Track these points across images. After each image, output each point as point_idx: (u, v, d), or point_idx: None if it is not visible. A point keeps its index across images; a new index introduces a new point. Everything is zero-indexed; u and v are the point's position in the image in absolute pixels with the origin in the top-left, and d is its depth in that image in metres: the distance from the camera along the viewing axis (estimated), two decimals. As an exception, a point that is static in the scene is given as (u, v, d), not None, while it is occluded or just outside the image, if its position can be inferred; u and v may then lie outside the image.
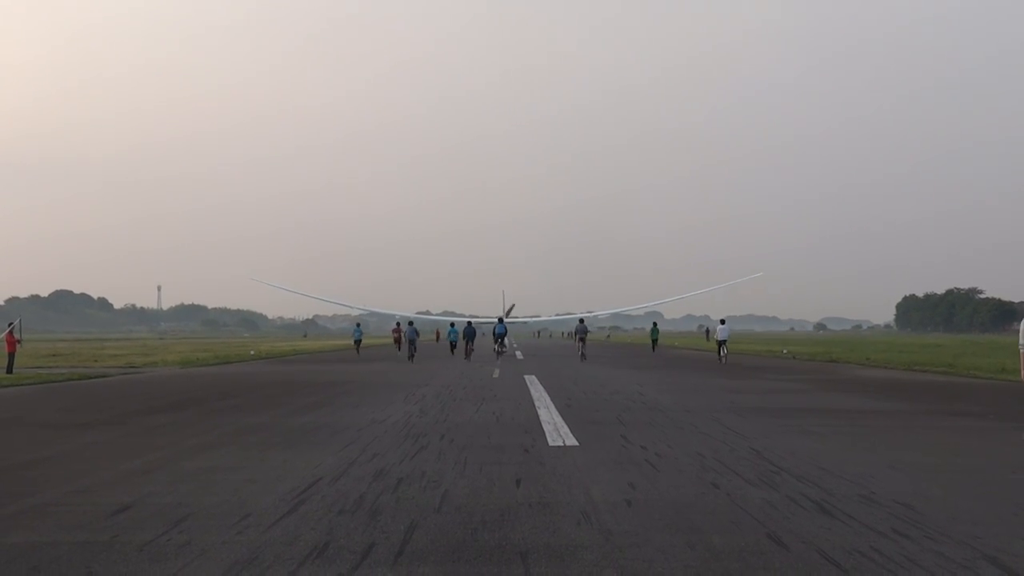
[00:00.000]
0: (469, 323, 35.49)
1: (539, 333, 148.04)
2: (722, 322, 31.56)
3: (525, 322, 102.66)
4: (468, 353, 33.05)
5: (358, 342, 40.61)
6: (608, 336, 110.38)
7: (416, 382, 17.93)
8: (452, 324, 37.73)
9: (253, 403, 13.01)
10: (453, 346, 36.46)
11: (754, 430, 9.30)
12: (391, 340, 57.86)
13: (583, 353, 31.77)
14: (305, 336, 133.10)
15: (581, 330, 33.02)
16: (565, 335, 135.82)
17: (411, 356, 32.05)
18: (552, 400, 12.98)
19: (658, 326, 42.60)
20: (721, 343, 30.24)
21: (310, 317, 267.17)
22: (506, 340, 37.90)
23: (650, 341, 40.61)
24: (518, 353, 39.82)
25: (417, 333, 34.41)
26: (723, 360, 29.38)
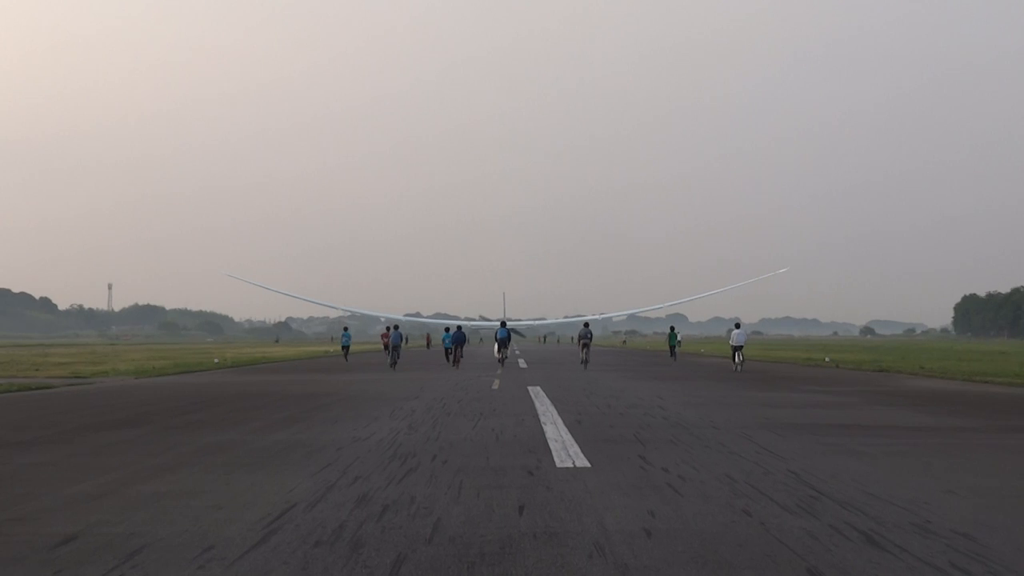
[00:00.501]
0: (458, 328, 36.68)
1: (545, 338, 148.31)
2: (736, 325, 32.05)
3: (531, 325, 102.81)
4: (456, 361, 34.14)
5: (346, 348, 41.26)
6: (624, 342, 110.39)
7: (404, 395, 17.95)
8: (447, 329, 38.60)
9: (218, 418, 13.04)
10: (448, 353, 37.39)
11: (791, 449, 9.30)
12: (380, 347, 58.31)
13: (586, 359, 32.52)
14: (277, 341, 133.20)
15: (585, 334, 33.63)
16: (575, 340, 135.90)
17: (393, 363, 33.15)
18: (560, 415, 12.99)
19: (677, 331, 43.11)
20: (736, 349, 30.64)
21: (282, 320, 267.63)
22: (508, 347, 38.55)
23: (672, 346, 40.65)
24: (521, 361, 39.87)
25: (403, 338, 35.27)
26: (738, 368, 29.84)
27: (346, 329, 42.79)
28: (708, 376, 26.28)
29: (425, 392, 18.76)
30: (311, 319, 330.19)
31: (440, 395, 17.71)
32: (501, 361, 35.84)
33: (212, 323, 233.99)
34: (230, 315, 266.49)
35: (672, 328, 41.78)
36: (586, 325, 34.17)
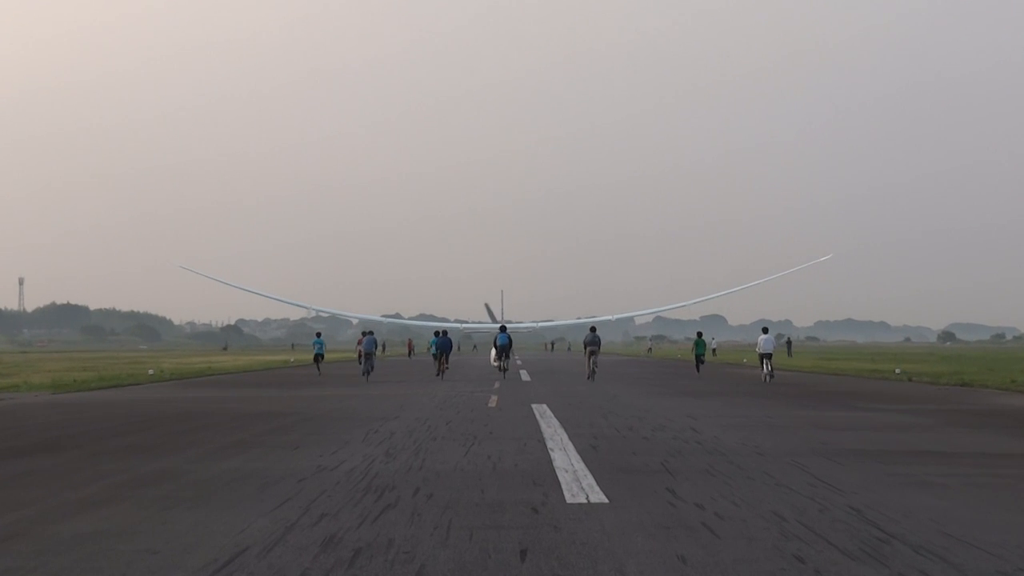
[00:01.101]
0: (443, 333, 38.01)
1: (553, 344, 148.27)
2: (764, 330, 33.56)
3: (534, 329, 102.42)
4: (440, 370, 35.62)
5: (319, 357, 42.32)
6: (650, 349, 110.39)
7: (381, 414, 17.99)
8: (437, 333, 39.34)
9: (153, 443, 13.06)
10: (441, 361, 38.20)
11: (853, 481, 9.31)
12: (355, 355, 58.89)
13: (593, 370, 33.28)
14: (226, 349, 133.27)
15: (592, 340, 34.20)
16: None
17: (366, 374, 34.49)
18: (571, 439, 13.01)
19: (707, 337, 44.03)
20: (764, 357, 32.07)
21: (232, 323, 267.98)
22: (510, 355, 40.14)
23: (698, 356, 40.53)
24: (523, 373, 39.91)
25: (377, 345, 36.72)
26: (766, 379, 31.29)
27: (319, 335, 44.05)
28: (750, 392, 26.31)
29: (406, 411, 18.79)
30: (267, 322, 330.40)
31: (425, 414, 17.75)
32: (502, 371, 36.80)
33: (146, 326, 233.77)
34: (168, 317, 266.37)
35: (699, 334, 42.33)
36: (593, 330, 34.65)
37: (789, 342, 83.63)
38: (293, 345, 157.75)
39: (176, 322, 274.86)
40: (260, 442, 13.07)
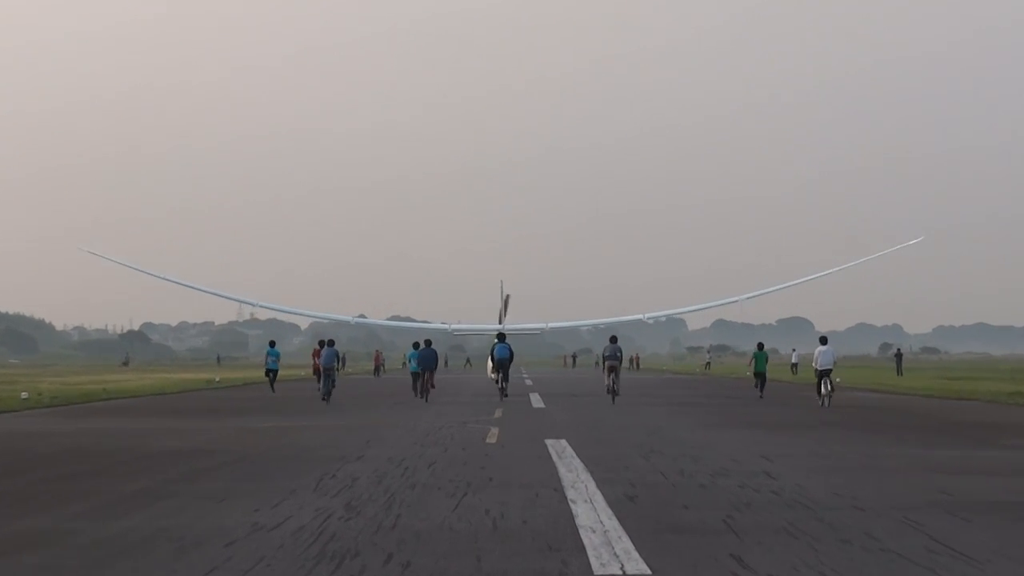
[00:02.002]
0: (427, 343, 39.50)
1: (575, 358, 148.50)
2: (822, 340, 35.46)
3: (540, 332, 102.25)
4: (424, 391, 37.45)
5: (273, 373, 44.83)
6: (708, 364, 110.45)
7: (340, 451, 17.99)
8: (416, 345, 40.90)
9: (27, 493, 13.02)
10: (417, 380, 39.80)
11: (987, 546, 9.27)
12: (309, 370, 59.55)
13: (614, 389, 35.77)
14: (127, 363, 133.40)
15: (611, 352, 36.65)
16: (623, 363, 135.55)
17: (326, 396, 36.15)
18: (599, 487, 12.99)
19: (787, 348, 45.57)
20: (823, 375, 33.93)
21: (135, 327, 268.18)
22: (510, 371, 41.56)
23: (758, 374, 41.90)
24: (534, 397, 39.91)
25: (339, 357, 39.61)
26: (824, 402, 33.24)
27: (273, 344, 46.30)
28: (844, 422, 26.33)
29: (375, 447, 18.76)
30: (184, 327, 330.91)
31: (400, 452, 17.73)
32: (502, 391, 38.00)
33: (17, 332, 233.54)
34: (48, 320, 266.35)
35: (760, 346, 44.10)
36: (613, 340, 36.96)
37: (899, 355, 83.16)
38: (220, 358, 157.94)
39: (59, 327, 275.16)
40: (174, 491, 13.03)
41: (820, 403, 33.50)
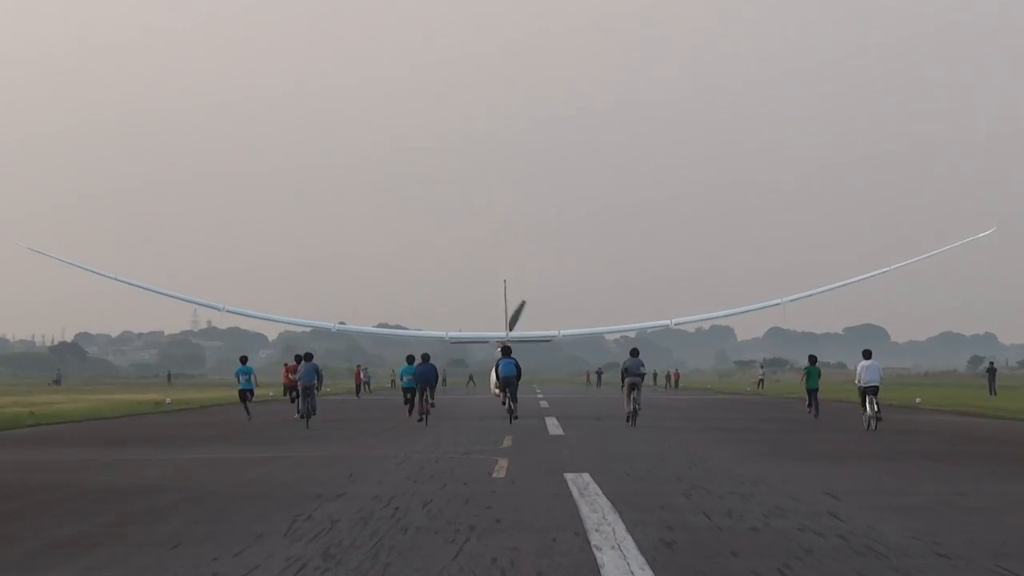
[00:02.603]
0: (425, 358, 40.11)
1: (600, 375, 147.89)
2: (866, 355, 36.77)
3: (551, 339, 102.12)
4: (422, 412, 38.24)
5: (248, 392, 44.99)
6: (760, 382, 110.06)
7: (317, 488, 18.00)
8: (410, 359, 41.86)
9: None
10: (409, 398, 41.37)
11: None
12: (280, 389, 60.34)
13: (635, 409, 37.48)
14: (58, 382, 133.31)
15: (635, 367, 37.98)
16: (656, 380, 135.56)
17: (306, 416, 37.62)
18: (630, 530, 12.97)
19: (820, 367, 46.81)
20: (867, 391, 35.45)
21: (68, 339, 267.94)
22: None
23: (811, 391, 43.58)
24: (551, 422, 39.80)
25: (319, 374, 39.96)
26: (871, 424, 34.67)
27: (244, 360, 46.55)
28: (924, 452, 26.36)
29: (360, 482, 18.79)
30: (126, 337, 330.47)
31: (389, 488, 17.72)
32: (510, 413, 38.52)
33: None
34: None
35: (812, 359, 45.60)
36: (634, 353, 38.31)
37: (991, 370, 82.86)
38: (171, 376, 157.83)
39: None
40: (116, 535, 13.04)
41: (866, 425, 35.04)
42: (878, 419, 34.86)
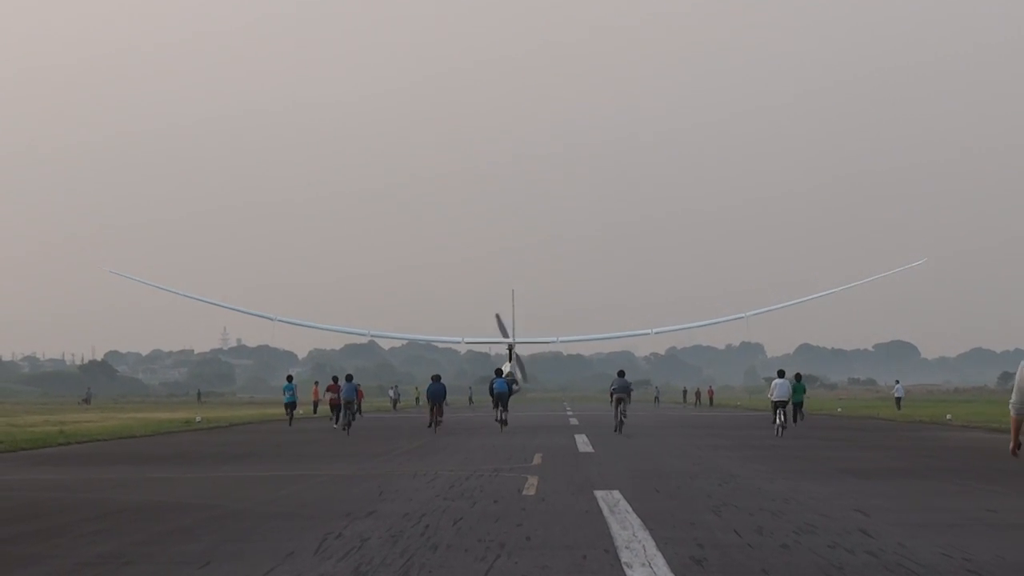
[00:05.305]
0: (434, 379, 48.25)
1: (625, 396, 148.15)
2: (780, 375, 45.07)
3: (552, 345, 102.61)
4: (431, 422, 45.74)
5: (291, 406, 54.04)
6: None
7: (346, 505, 18.05)
8: (435, 378, 48.27)
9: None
10: (434, 413, 47.06)
11: None
12: (310, 407, 63.92)
13: (621, 420, 43.99)
14: (88, 401, 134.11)
15: (621, 386, 44.94)
16: (686, 398, 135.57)
17: (347, 426, 45.00)
18: (660, 548, 12.94)
19: (803, 380, 52.32)
20: (777, 405, 42.75)
21: (98, 358, 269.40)
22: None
23: (795, 404, 47.68)
24: (581, 439, 39.86)
25: (358, 392, 49.83)
26: (779, 432, 41.97)
27: (290, 379, 54.49)
28: (956, 467, 26.38)
29: (389, 500, 18.80)
30: (156, 355, 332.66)
31: (419, 506, 17.73)
32: (502, 423, 45.96)
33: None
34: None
35: (798, 376, 51.05)
36: (621, 374, 46.49)
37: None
38: (200, 394, 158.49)
39: (6, 356, 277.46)
40: (145, 554, 13.05)
41: (776, 433, 41.92)
42: (784, 427, 42.32)
